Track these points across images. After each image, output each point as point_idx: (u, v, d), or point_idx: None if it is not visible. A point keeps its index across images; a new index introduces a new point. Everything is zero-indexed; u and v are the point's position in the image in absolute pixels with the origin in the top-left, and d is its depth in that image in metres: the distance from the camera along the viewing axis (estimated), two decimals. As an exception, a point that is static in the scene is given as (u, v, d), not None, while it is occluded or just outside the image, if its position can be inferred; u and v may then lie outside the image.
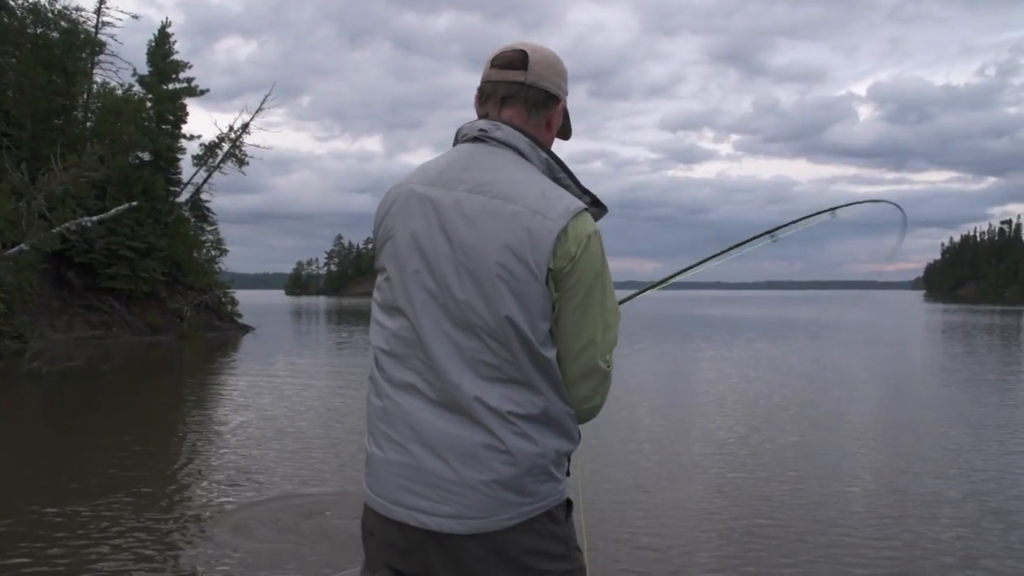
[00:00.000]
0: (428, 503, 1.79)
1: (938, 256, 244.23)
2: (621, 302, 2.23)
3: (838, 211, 3.03)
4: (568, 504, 1.92)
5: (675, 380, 18.20)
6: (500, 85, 1.96)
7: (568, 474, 1.92)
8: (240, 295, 37.41)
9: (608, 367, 1.88)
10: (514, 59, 1.96)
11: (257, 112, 35.72)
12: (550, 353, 1.82)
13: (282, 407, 13.02)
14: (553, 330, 1.83)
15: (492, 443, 1.78)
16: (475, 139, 1.95)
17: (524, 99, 1.96)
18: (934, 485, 7.93)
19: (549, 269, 1.77)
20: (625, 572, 5.49)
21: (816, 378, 17.95)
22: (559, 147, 2.06)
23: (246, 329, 34.63)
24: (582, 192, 1.95)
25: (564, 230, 1.78)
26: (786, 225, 2.99)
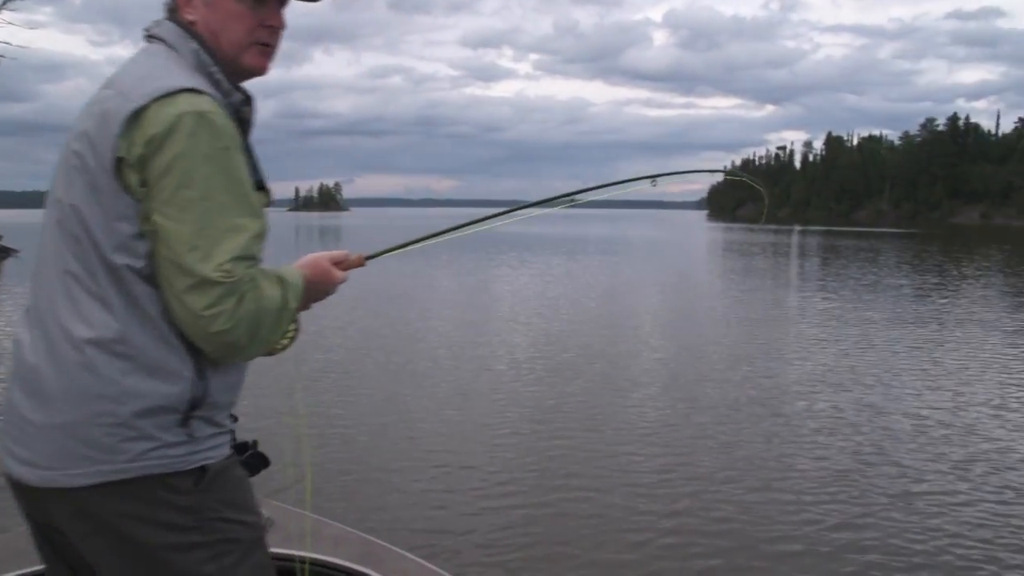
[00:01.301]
0: (16, 447, 1.63)
1: (721, 178, 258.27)
2: (445, 232, 2.13)
3: (726, 176, 2.96)
4: (202, 471, 1.63)
5: (475, 298, 18.10)
6: None
7: (212, 436, 1.66)
8: (4, 214, 33.92)
9: (227, 278, 1.53)
10: None
11: (6, 2, 31.44)
12: (125, 260, 1.56)
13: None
14: (150, 236, 1.56)
15: (61, 377, 1.57)
16: (146, 39, 1.77)
17: None
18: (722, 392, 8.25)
19: (119, 158, 1.54)
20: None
21: (609, 296, 18.43)
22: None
23: (6, 252, 31.57)
24: (234, 88, 1.74)
25: (143, 109, 1.54)
26: (668, 174, 2.52)
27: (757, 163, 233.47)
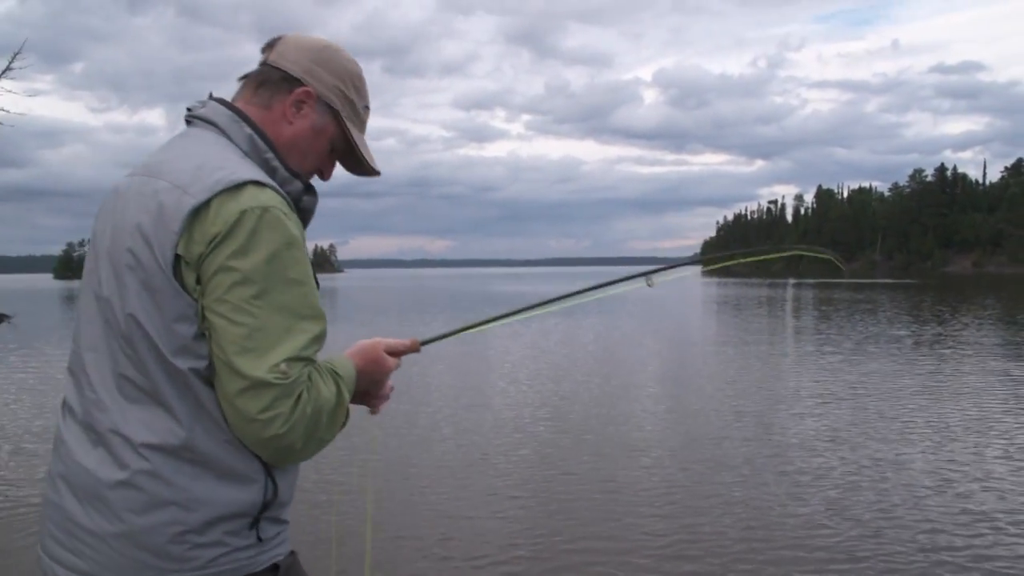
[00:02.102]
0: (66, 554, 1.54)
1: (713, 233, 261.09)
2: (471, 326, 2.05)
3: (742, 259, 2.66)
4: (275, 569, 1.60)
5: (472, 361, 17.92)
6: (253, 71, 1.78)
7: (278, 535, 1.62)
8: (0, 279, 33.85)
9: (282, 379, 1.47)
10: (270, 42, 1.78)
11: (6, 71, 31.55)
12: (188, 364, 1.49)
13: (27, 412, 11.52)
14: (207, 336, 1.50)
15: (124, 483, 1.48)
16: (187, 121, 1.73)
17: (255, 77, 1.75)
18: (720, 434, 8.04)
19: (178, 256, 1.48)
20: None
21: (609, 353, 18.26)
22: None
23: (1, 318, 31.38)
24: (292, 176, 1.70)
25: (205, 205, 1.48)
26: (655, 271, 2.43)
27: (749, 217, 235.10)
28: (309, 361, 1.53)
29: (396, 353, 1.90)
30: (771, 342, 21.35)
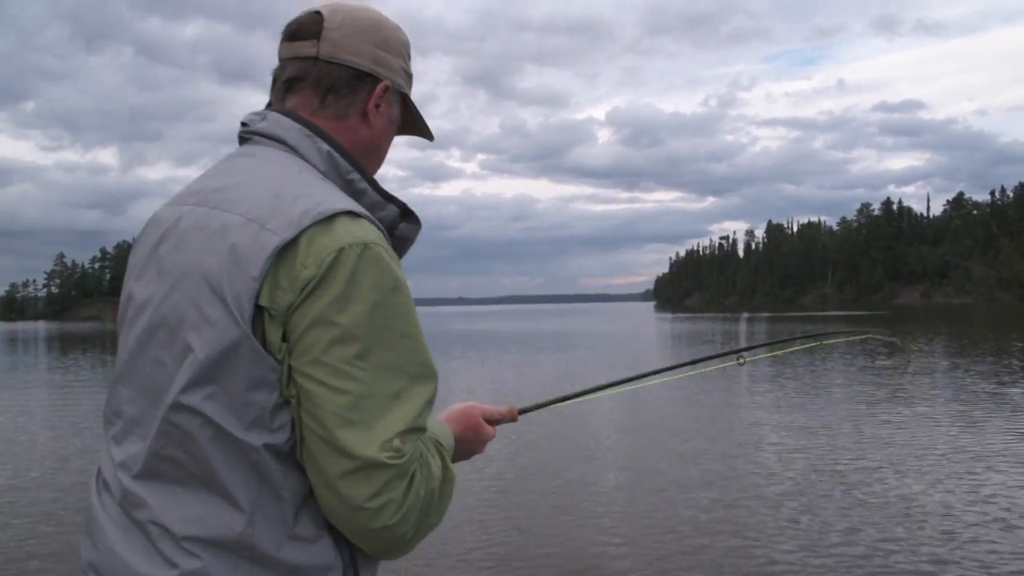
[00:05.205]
0: None
1: (666, 269, 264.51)
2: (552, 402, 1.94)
3: (824, 340, 2.60)
4: None
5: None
6: (288, 64, 1.44)
7: None
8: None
9: (396, 459, 1.19)
10: (304, 25, 1.43)
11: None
12: (263, 439, 1.19)
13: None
14: (294, 403, 1.21)
15: None
16: (241, 138, 1.44)
17: (315, 80, 1.42)
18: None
19: (260, 307, 1.18)
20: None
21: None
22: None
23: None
24: (385, 200, 1.41)
25: (292, 244, 1.19)
26: (757, 347, 2.41)
27: (702, 253, 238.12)
28: (424, 432, 1.28)
29: (492, 421, 1.72)
30: (723, 378, 20.97)
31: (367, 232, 1.24)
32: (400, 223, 1.44)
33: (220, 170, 1.39)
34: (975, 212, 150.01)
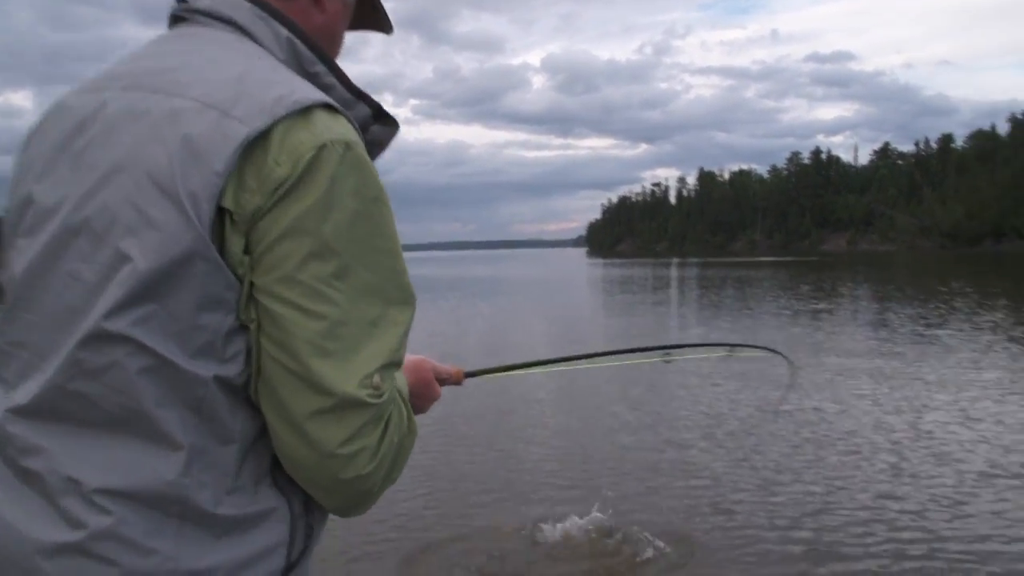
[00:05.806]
0: None
1: (599, 215, 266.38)
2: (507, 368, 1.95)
3: (735, 350, 2.70)
4: None
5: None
6: None
7: None
8: None
9: (375, 397, 1.02)
10: None
11: None
12: (213, 370, 1.00)
13: None
14: (252, 329, 1.02)
15: (66, 547, 0.95)
16: (175, 18, 1.18)
17: None
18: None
19: (221, 208, 0.98)
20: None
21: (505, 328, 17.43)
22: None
23: None
24: (356, 97, 1.17)
25: (264, 135, 0.99)
26: (679, 347, 2.59)
27: (634, 199, 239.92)
28: (399, 368, 1.10)
29: (440, 380, 1.60)
30: (657, 317, 21.02)
31: (348, 131, 1.06)
32: (372, 124, 1.22)
33: (151, 52, 1.14)
34: (900, 162, 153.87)
